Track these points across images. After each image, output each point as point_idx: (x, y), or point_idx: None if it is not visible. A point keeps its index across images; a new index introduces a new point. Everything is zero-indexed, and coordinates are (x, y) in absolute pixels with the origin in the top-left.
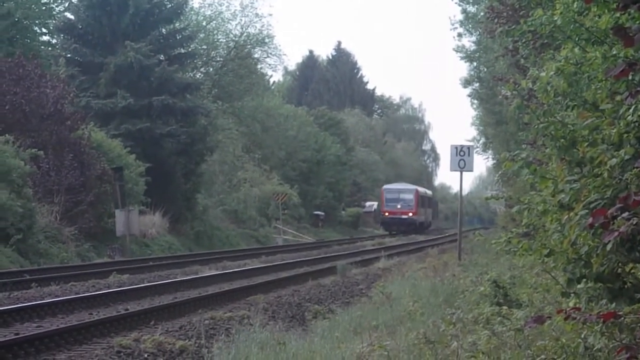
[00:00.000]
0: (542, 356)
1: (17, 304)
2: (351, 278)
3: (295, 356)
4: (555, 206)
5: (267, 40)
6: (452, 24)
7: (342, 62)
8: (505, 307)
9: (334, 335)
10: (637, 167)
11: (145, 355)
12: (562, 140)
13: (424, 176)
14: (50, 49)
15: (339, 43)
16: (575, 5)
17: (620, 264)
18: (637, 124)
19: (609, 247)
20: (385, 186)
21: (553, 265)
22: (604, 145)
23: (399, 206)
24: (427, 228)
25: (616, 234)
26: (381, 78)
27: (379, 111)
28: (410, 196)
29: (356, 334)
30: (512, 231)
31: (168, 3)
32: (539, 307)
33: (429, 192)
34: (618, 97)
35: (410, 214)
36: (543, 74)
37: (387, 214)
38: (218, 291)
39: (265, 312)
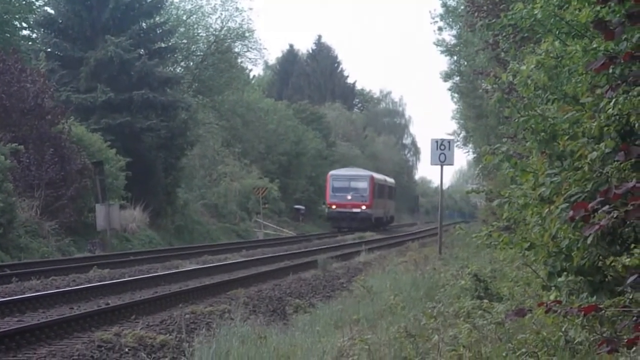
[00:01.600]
0: (523, 349)
1: None
2: (332, 272)
3: (276, 350)
4: (536, 200)
5: (247, 34)
6: (433, 18)
7: (323, 56)
8: (486, 301)
9: (315, 329)
10: (617, 161)
11: (126, 350)
12: (543, 133)
13: (405, 170)
14: (30, 43)
15: (319, 37)
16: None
17: (600, 257)
18: (617, 117)
19: (589, 240)
20: (332, 172)
21: (534, 259)
22: (584, 139)
23: (349, 197)
24: (387, 224)
25: (597, 227)
26: (361, 72)
27: (359, 105)
28: (364, 184)
29: (337, 327)
30: (492, 225)
31: None
32: (519, 301)
33: (390, 181)
34: (598, 91)
35: (364, 207)
36: (523, 67)
37: (334, 206)
38: (199, 285)
39: (246, 306)
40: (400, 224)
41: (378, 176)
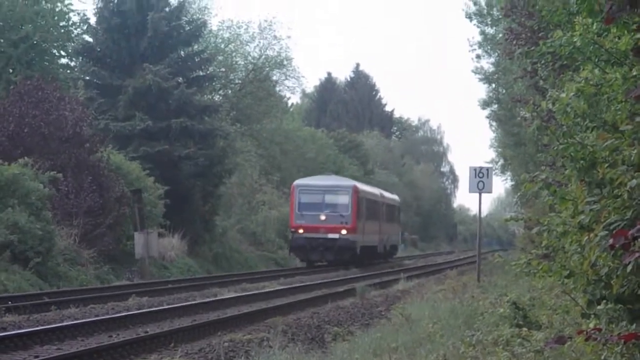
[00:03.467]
0: None
1: (37, 326)
2: (370, 300)
3: None
4: (575, 227)
5: (285, 62)
6: (471, 46)
7: (361, 84)
8: (524, 329)
9: (354, 357)
10: None
11: None
12: (582, 161)
13: (443, 198)
14: (68, 71)
15: (357, 65)
16: (594, 27)
17: None
18: None
19: (629, 268)
20: (299, 181)
21: (573, 287)
22: (623, 167)
23: (322, 217)
24: (386, 257)
25: (637, 255)
26: (399, 100)
27: (397, 133)
28: (345, 199)
29: (376, 356)
30: (531, 252)
31: (186, 26)
32: (558, 329)
33: (391, 197)
34: (638, 118)
35: (344, 232)
36: (563, 95)
37: (300, 230)
38: (237, 313)
39: (284, 334)
40: (428, 252)
41: (366, 188)
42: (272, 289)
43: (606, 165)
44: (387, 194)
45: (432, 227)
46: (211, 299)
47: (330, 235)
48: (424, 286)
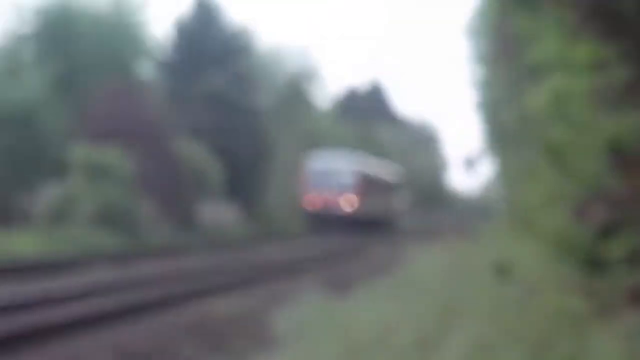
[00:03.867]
0: (534, 318)
1: (124, 277)
2: (385, 256)
3: (340, 316)
4: (545, 201)
5: (316, 76)
6: (465, 61)
7: (376, 92)
8: (504, 279)
9: (372, 300)
10: (610, 171)
11: (225, 317)
12: (551, 149)
13: (439, 179)
14: (149, 79)
15: (375, 80)
16: (561, 42)
17: (596, 245)
18: (610, 138)
19: (587, 231)
20: (309, 161)
21: (542, 247)
22: (585, 154)
23: (330, 190)
24: (390, 225)
25: (594, 221)
26: (405, 99)
27: (402, 128)
28: (350, 174)
29: (390, 299)
30: (510, 221)
31: (241, 45)
32: (531, 279)
33: (392, 175)
34: (596, 116)
35: (348, 205)
36: (537, 97)
37: (310, 205)
38: (286, 266)
39: (319, 283)
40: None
41: (368, 167)
42: (308, 249)
43: (570, 152)
44: (392, 176)
45: (430, 200)
46: (261, 255)
47: (336, 208)
48: (426, 246)
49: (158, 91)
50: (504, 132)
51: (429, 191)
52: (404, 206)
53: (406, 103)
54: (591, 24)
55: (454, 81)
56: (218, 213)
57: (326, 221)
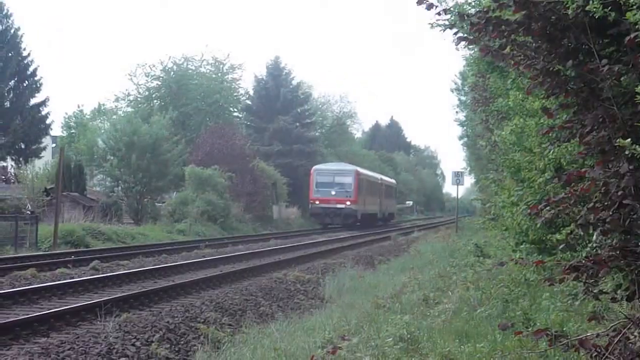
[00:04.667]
0: (501, 284)
1: (221, 255)
2: (398, 242)
3: (368, 282)
4: (509, 204)
5: (353, 115)
6: (453, 107)
7: (394, 126)
8: (481, 257)
9: (390, 272)
10: (553, 183)
11: (290, 282)
12: (512, 168)
13: (438, 188)
14: (238, 119)
15: (392, 116)
16: (520, 96)
17: (544, 235)
18: (553, 159)
19: (538, 225)
20: (316, 167)
21: (507, 236)
22: (536, 171)
23: (333, 192)
24: (384, 221)
25: (542, 218)
26: (414, 131)
27: (412, 152)
28: (349, 179)
29: (402, 271)
30: (485, 217)
31: (301, 95)
32: (499, 258)
33: (389, 180)
34: (544, 145)
35: (348, 203)
36: (503, 132)
37: (317, 202)
38: (329, 248)
39: (352, 260)
40: (429, 217)
41: (365, 172)
42: (344, 237)
43: (526, 170)
44: (386, 178)
45: (431, 203)
46: (314, 241)
47: (339, 206)
48: (427, 235)
49: (244, 127)
50: (480, 156)
51: (430, 196)
52: (397, 206)
53: (415, 134)
54: (540, 84)
55: (448, 119)
56: (284, 212)
57: (328, 215)
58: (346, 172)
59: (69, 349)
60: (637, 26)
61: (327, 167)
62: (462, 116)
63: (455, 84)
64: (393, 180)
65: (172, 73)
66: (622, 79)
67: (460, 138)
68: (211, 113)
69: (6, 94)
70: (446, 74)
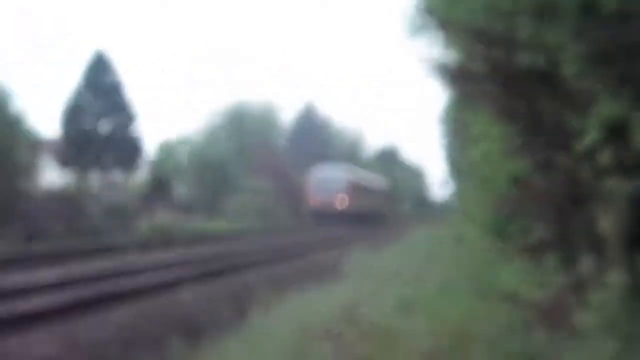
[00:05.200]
0: (476, 258)
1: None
2: (399, 231)
3: (375, 262)
4: (482, 203)
5: (363, 140)
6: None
7: (394, 149)
8: (462, 241)
9: (391, 252)
10: (521, 190)
11: (321, 261)
12: (482, 179)
13: (426, 194)
14: (282, 144)
15: (393, 142)
16: (486, 126)
17: (503, 226)
18: (510, 173)
19: (500, 218)
20: (312, 172)
21: (481, 227)
22: (504, 182)
23: (327, 194)
24: (379, 219)
25: (503, 214)
26: (409, 149)
27: (407, 168)
28: (341, 183)
29: (401, 252)
30: (461, 215)
31: (325, 131)
32: (476, 240)
33: (382, 185)
34: (503, 162)
35: (341, 204)
36: (474, 153)
37: (315, 202)
38: (343, 239)
39: (365, 245)
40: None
41: (358, 177)
42: (352, 231)
43: (490, 181)
44: (379, 184)
45: (422, 205)
46: (333, 234)
47: (332, 206)
48: (420, 226)
49: (285, 150)
50: (458, 169)
51: (419, 199)
52: (389, 205)
53: (408, 153)
54: (500, 117)
55: (435, 137)
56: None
57: (323, 215)
58: (339, 176)
59: (162, 307)
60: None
61: (322, 171)
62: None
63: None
64: (387, 186)
65: (231, 110)
66: (558, 113)
67: (445, 157)
68: (262, 141)
69: (113, 127)
70: (434, 105)
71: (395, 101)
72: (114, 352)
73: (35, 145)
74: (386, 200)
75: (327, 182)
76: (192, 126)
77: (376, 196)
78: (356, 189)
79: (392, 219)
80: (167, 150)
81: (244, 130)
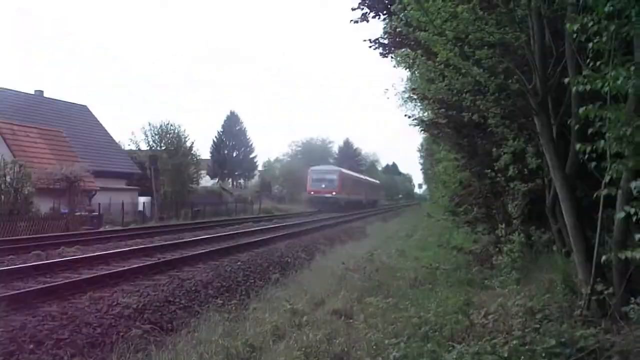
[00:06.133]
0: (438, 228)
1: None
2: (392, 214)
3: (386, 227)
4: (440, 196)
5: (378, 160)
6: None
7: (394, 165)
8: (432, 218)
9: (395, 222)
10: (458, 188)
11: (355, 227)
12: (442, 182)
13: (411, 189)
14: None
15: (393, 162)
16: (445, 153)
17: (454, 208)
18: (459, 179)
19: (452, 205)
20: (312, 168)
21: (443, 209)
22: (451, 183)
23: (323, 186)
24: (371, 206)
25: (454, 202)
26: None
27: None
28: (334, 176)
29: (399, 223)
30: (431, 202)
31: (358, 156)
32: (440, 217)
33: (374, 180)
34: (455, 172)
35: (334, 193)
36: (438, 168)
37: (312, 192)
38: (358, 216)
39: (377, 219)
40: (407, 204)
41: (349, 172)
42: (363, 211)
43: (447, 183)
44: (370, 179)
45: (407, 198)
46: (352, 212)
47: (326, 195)
48: (407, 210)
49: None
50: (429, 177)
51: (408, 194)
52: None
53: (403, 168)
54: (453, 148)
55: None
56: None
57: (319, 201)
58: (333, 171)
59: (267, 252)
60: (493, 123)
61: (319, 168)
62: (422, 162)
63: (419, 148)
64: (377, 181)
65: (303, 145)
66: (486, 146)
67: (421, 169)
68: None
69: (239, 153)
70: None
71: (394, 138)
72: (240, 277)
73: (197, 163)
74: (380, 192)
75: (323, 177)
76: (282, 150)
77: (369, 189)
78: (347, 183)
79: (379, 205)
80: (268, 166)
81: (311, 155)
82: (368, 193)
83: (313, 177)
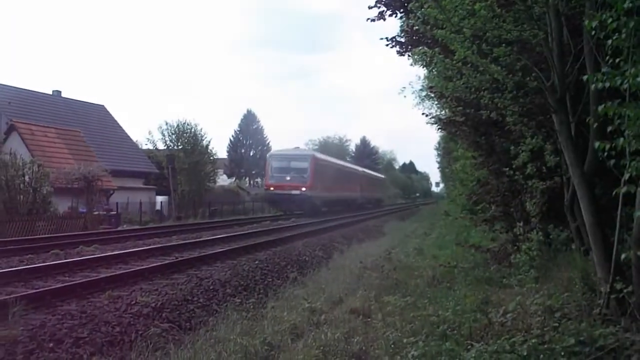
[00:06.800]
0: (456, 226)
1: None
2: (409, 215)
3: (404, 226)
4: (461, 194)
5: (395, 159)
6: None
7: (411, 164)
8: (450, 216)
9: (412, 221)
10: (476, 186)
11: (371, 225)
12: (461, 181)
13: (429, 188)
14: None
15: (412, 162)
16: (462, 151)
17: (472, 207)
18: (477, 177)
19: (470, 203)
20: (272, 152)
21: (460, 208)
22: (473, 182)
23: (288, 178)
24: (373, 206)
25: (472, 200)
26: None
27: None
28: (304, 164)
29: (416, 221)
30: (449, 200)
31: (374, 153)
32: (457, 215)
33: (376, 174)
34: (472, 170)
35: (303, 189)
36: (456, 166)
37: (272, 188)
38: (375, 215)
39: (396, 218)
40: (425, 202)
41: (328, 159)
42: (385, 209)
43: (465, 181)
44: (369, 171)
45: (424, 196)
46: (370, 210)
47: (293, 192)
48: (424, 209)
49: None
50: (446, 175)
51: (426, 192)
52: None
53: (420, 166)
54: (471, 146)
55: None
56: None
57: (283, 201)
58: (302, 157)
59: (284, 251)
60: (511, 121)
61: (283, 153)
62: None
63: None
64: (381, 175)
65: (322, 141)
66: (503, 144)
67: (439, 168)
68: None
69: (256, 152)
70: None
71: (412, 136)
72: (258, 276)
73: (213, 162)
74: (383, 189)
75: (289, 166)
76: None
77: (367, 184)
78: (324, 174)
79: (384, 205)
80: None
81: (328, 154)
82: (365, 189)
83: (274, 166)
